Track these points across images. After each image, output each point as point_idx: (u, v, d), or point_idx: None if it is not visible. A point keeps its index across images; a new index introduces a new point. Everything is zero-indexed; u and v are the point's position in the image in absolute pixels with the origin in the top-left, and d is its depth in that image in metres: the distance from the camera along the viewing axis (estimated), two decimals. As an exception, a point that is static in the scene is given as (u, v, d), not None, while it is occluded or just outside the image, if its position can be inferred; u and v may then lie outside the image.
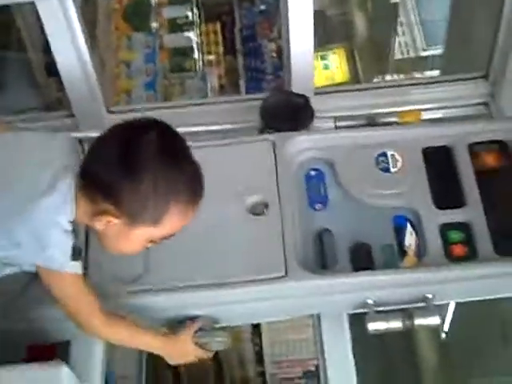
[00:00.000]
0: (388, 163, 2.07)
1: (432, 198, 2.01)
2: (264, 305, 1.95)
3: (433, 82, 2.54)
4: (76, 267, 1.59)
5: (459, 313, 2.62)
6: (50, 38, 2.23)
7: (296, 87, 2.39)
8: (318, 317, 2.07)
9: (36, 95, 2.88)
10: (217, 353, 3.81)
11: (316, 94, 2.42)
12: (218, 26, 4.62)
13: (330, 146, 2.13)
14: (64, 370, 1.47)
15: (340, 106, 2.42)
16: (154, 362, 2.83)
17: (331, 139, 2.16)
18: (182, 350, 1.88)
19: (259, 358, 3.67)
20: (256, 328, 3.55)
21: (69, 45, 2.25)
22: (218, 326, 1.95)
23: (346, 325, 2.03)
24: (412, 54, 4.95)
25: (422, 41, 4.87)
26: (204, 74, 3.72)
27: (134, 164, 1.46)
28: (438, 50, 4.47)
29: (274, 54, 4.99)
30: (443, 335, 2.17)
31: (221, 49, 4.52)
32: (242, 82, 4.69)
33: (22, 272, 1.71)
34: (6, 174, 1.59)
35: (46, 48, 2.67)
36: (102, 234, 1.57)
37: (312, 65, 2.40)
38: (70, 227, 1.55)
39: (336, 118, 2.26)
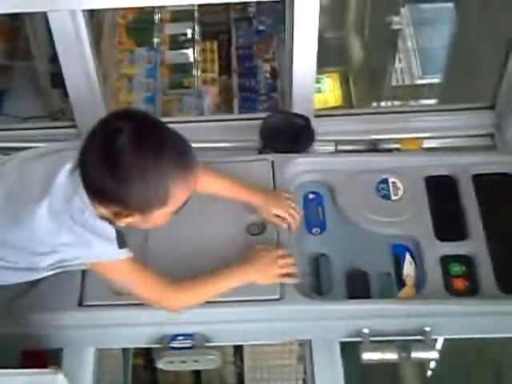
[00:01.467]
0: (389, 190, 2.05)
1: (433, 228, 1.99)
2: (256, 326, 1.93)
3: (435, 110, 2.53)
4: (126, 253, 1.69)
5: (448, 347, 2.58)
6: (58, 48, 2.23)
7: (296, 108, 2.37)
8: (310, 342, 2.03)
9: (40, 104, 2.87)
10: (198, 372, 3.82)
11: (316, 116, 2.40)
12: (215, 45, 4.63)
13: (330, 170, 2.11)
14: (59, 378, 1.44)
15: (341, 130, 2.40)
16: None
17: (332, 163, 2.14)
18: (263, 269, 1.87)
19: (240, 381, 3.65)
20: (238, 350, 3.52)
21: (76, 56, 2.25)
22: (209, 344, 1.93)
23: (338, 352, 2.00)
24: (407, 82, 4.95)
25: (418, 68, 4.87)
26: (200, 92, 3.71)
27: (117, 168, 1.51)
28: (434, 79, 4.47)
29: (268, 75, 5.00)
30: (429, 372, 2.13)
31: (216, 67, 4.52)
32: (235, 102, 4.69)
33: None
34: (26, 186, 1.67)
35: (52, 58, 2.67)
36: (127, 226, 1.65)
37: (313, 86, 2.39)
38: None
39: (337, 142, 2.23)
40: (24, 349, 2.09)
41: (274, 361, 3.65)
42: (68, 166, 1.63)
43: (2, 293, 1.90)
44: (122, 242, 1.67)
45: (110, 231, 1.64)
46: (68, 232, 1.62)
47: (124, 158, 1.50)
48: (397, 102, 4.83)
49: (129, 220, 1.61)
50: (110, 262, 1.69)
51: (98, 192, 1.57)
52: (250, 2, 5.09)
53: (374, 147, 2.21)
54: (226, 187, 1.97)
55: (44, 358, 2.15)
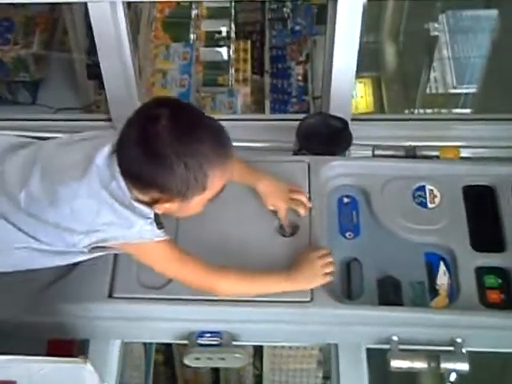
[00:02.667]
0: (425, 198, 2.02)
1: (469, 238, 1.96)
2: (285, 327, 1.91)
3: (474, 119, 2.51)
4: (165, 234, 1.69)
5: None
6: (96, 40, 2.24)
7: (334, 111, 2.36)
8: (336, 347, 2.02)
9: (75, 96, 2.88)
10: (217, 372, 3.82)
11: (353, 119, 2.39)
12: (249, 44, 4.62)
13: (366, 174, 2.09)
14: (88, 367, 1.44)
15: (379, 135, 2.39)
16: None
17: (368, 167, 2.12)
18: (309, 271, 1.85)
19: (258, 383, 3.64)
20: (258, 352, 3.51)
21: (114, 48, 2.26)
22: (236, 343, 1.92)
23: (365, 358, 1.98)
24: (441, 90, 4.90)
25: (452, 77, 4.81)
26: (234, 91, 3.70)
27: (156, 154, 1.53)
28: (469, 89, 4.42)
29: (300, 78, 4.98)
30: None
31: (249, 67, 4.51)
32: (267, 103, 4.68)
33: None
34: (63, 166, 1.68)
35: (89, 50, 2.68)
36: (164, 212, 1.66)
37: (352, 89, 2.38)
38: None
39: (374, 147, 2.21)
40: (50, 338, 2.10)
41: (293, 364, 3.64)
42: (106, 151, 1.64)
43: (32, 282, 1.91)
44: (160, 223, 1.68)
45: (149, 212, 1.64)
46: (108, 210, 1.62)
47: (163, 143, 1.52)
48: (429, 111, 4.78)
49: (167, 206, 1.62)
50: (151, 244, 1.68)
51: (136, 177, 1.59)
52: (285, 3, 5.09)
53: (412, 154, 2.19)
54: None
55: (70, 348, 2.15)
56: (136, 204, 1.63)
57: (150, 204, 1.63)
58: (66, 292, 1.89)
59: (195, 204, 1.64)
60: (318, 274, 1.85)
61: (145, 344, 2.61)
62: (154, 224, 1.66)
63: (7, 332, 1.93)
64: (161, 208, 1.63)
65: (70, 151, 1.71)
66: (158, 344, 3.06)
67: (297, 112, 4.67)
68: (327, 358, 2.83)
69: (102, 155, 1.64)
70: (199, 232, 1.95)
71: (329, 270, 1.86)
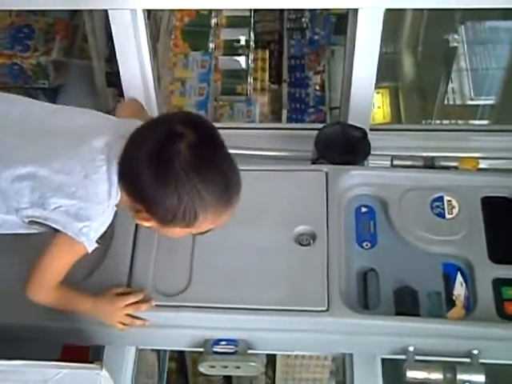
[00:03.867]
0: (444, 208, 2.02)
1: (487, 249, 1.95)
2: (301, 336, 1.91)
3: (493, 131, 2.50)
4: (93, 247, 1.63)
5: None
6: (116, 47, 2.25)
7: (352, 121, 2.36)
8: (351, 357, 2.01)
9: (93, 102, 2.88)
10: (229, 380, 3.82)
11: (372, 129, 2.38)
12: (267, 54, 4.63)
13: (384, 184, 2.08)
14: (103, 374, 1.45)
15: (397, 145, 2.39)
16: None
17: (387, 177, 2.11)
18: (107, 310, 1.83)
19: (270, 391, 3.64)
20: (271, 361, 3.52)
21: (134, 55, 2.27)
22: (251, 351, 1.92)
23: (380, 368, 1.99)
24: (458, 102, 4.89)
25: (470, 89, 4.80)
26: (252, 100, 3.71)
27: (160, 175, 1.46)
28: (487, 101, 4.41)
29: (318, 88, 4.99)
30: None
31: (267, 76, 4.52)
32: (284, 112, 4.68)
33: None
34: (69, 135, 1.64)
35: (109, 58, 2.69)
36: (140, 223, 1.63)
37: (371, 99, 2.38)
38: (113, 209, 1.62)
39: (393, 157, 2.21)
40: (65, 343, 2.11)
41: (306, 374, 3.65)
42: (107, 139, 1.60)
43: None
44: (101, 238, 1.64)
45: (103, 221, 1.62)
46: (78, 197, 1.57)
47: (172, 168, 1.46)
48: (446, 122, 4.77)
49: (147, 223, 1.59)
50: (76, 244, 1.61)
51: (131, 182, 1.54)
52: (303, 13, 5.10)
53: (430, 164, 2.18)
54: None
55: (84, 353, 2.16)
56: (110, 208, 1.61)
57: (132, 212, 1.60)
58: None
59: (175, 232, 1.60)
60: (116, 315, 1.83)
61: (158, 351, 2.62)
62: (98, 236, 1.63)
63: (23, 337, 1.94)
64: (140, 221, 1.60)
65: (76, 117, 1.71)
66: (171, 352, 3.07)
67: (314, 122, 4.68)
68: (340, 368, 2.84)
69: (102, 140, 1.60)
70: (215, 239, 1.94)
71: (127, 320, 1.84)
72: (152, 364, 2.64)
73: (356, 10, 2.13)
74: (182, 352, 3.35)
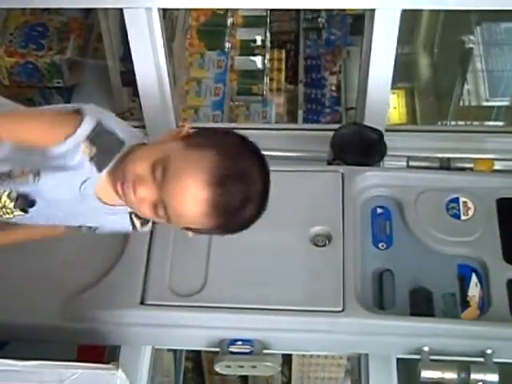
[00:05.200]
0: (459, 210, 2.02)
1: (502, 251, 1.95)
2: (316, 336, 1.92)
3: (508, 132, 2.49)
4: None
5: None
6: (132, 46, 2.24)
7: (369, 121, 2.35)
8: (366, 357, 2.01)
9: (108, 102, 2.88)
10: (245, 380, 3.83)
11: (387, 130, 2.38)
12: (283, 54, 4.62)
13: (400, 185, 2.09)
14: (120, 374, 1.46)
15: (413, 146, 2.38)
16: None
17: (402, 178, 2.12)
18: None
19: (286, 390, 3.65)
20: (287, 360, 3.52)
21: (149, 55, 2.26)
22: (267, 351, 1.93)
23: (395, 368, 1.99)
24: (474, 103, 4.87)
25: (485, 90, 4.78)
26: (267, 100, 3.70)
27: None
28: (502, 102, 4.39)
29: (334, 88, 4.98)
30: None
31: (283, 77, 4.51)
32: (300, 112, 4.68)
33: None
34: None
35: (124, 57, 2.70)
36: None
37: (388, 100, 2.38)
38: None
39: (409, 158, 2.21)
40: (81, 344, 2.12)
41: (321, 373, 3.65)
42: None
43: (65, 288, 1.94)
44: None
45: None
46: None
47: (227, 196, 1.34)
48: (461, 123, 4.76)
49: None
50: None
51: None
52: (320, 13, 5.10)
53: (446, 165, 2.18)
54: None
55: (100, 354, 2.17)
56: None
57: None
58: (98, 298, 1.91)
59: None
60: None
61: (174, 351, 2.63)
62: None
63: (40, 337, 1.95)
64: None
65: None
66: (187, 351, 3.07)
67: (329, 122, 4.68)
68: (355, 368, 2.84)
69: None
70: (231, 240, 1.94)
71: None
72: (168, 363, 2.65)
73: (373, 11, 2.12)
74: (197, 351, 3.36)
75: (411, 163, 2.20)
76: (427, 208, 2.03)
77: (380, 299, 1.93)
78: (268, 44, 3.93)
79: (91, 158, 1.43)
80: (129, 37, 2.21)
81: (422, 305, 1.90)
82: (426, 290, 1.92)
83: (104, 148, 1.44)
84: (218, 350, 1.94)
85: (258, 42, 3.84)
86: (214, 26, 3.53)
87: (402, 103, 5.16)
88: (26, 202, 1.49)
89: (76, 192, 1.46)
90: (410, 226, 2.02)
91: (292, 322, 1.87)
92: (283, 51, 4.68)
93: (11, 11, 2.94)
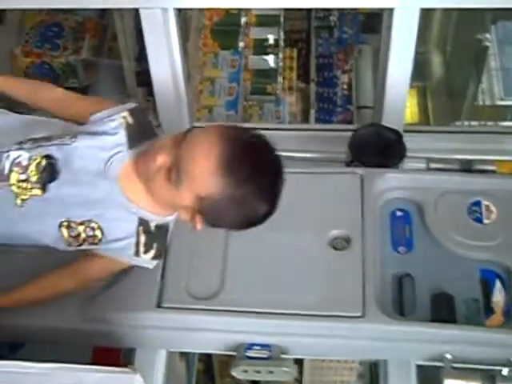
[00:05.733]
0: (481, 213, 1.98)
1: (527, 255, 1.92)
2: (335, 342, 1.88)
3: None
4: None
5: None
6: (147, 46, 2.23)
7: (386, 122, 2.32)
8: (385, 363, 1.98)
9: (123, 102, 2.87)
10: (257, 382, 3.80)
11: (405, 131, 2.34)
12: (295, 53, 4.59)
13: (420, 188, 2.06)
14: (137, 378, 1.43)
15: (433, 148, 2.34)
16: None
17: (423, 180, 2.08)
18: None
19: (298, 394, 3.62)
20: (298, 363, 3.49)
21: (165, 55, 2.25)
22: (285, 356, 1.90)
23: (414, 375, 1.95)
24: (488, 102, 4.82)
25: (500, 89, 4.73)
26: (280, 100, 3.67)
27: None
28: (518, 101, 4.35)
29: (345, 87, 4.94)
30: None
31: (295, 76, 4.48)
32: (312, 112, 4.64)
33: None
34: None
35: (139, 57, 2.68)
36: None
37: (406, 100, 2.34)
38: None
39: (429, 160, 2.17)
40: (96, 346, 2.10)
41: (333, 376, 3.62)
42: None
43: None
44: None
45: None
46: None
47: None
48: (474, 123, 4.72)
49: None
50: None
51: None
52: (331, 11, 5.06)
53: (467, 167, 2.14)
54: None
55: (115, 356, 2.16)
56: None
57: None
58: (115, 300, 1.88)
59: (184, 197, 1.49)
60: None
61: (187, 353, 2.60)
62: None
63: (56, 339, 1.93)
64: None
65: None
66: (199, 353, 3.05)
67: (341, 122, 4.64)
68: (367, 372, 2.80)
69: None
70: (249, 243, 1.93)
71: None
72: (180, 365, 2.62)
73: (391, 10, 2.09)
74: (209, 353, 3.33)
75: (431, 165, 2.17)
76: (448, 211, 2.00)
77: (400, 304, 1.89)
78: (281, 43, 3.89)
79: (127, 127, 1.58)
80: (144, 37, 2.20)
81: (443, 310, 1.86)
82: (448, 295, 1.88)
83: (140, 125, 1.62)
84: (234, 353, 1.90)
85: (271, 41, 3.82)
86: (227, 26, 3.51)
87: (414, 102, 5.11)
88: (50, 174, 1.55)
89: (102, 165, 1.55)
90: (431, 230, 1.98)
91: (311, 326, 1.84)
92: (295, 50, 4.64)
93: (27, 11, 2.92)
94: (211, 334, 1.89)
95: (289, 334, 1.87)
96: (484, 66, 4.42)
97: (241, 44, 3.49)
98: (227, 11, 3.55)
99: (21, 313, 1.86)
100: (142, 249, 1.61)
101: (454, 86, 4.91)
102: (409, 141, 2.22)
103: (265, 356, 1.86)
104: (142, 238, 1.60)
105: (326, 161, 2.40)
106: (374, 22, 4.15)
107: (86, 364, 1.53)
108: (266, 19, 3.82)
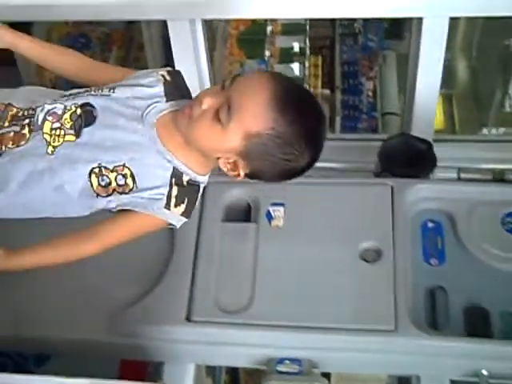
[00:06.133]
0: (515, 224, 1.95)
1: None
2: (366, 356, 1.86)
3: None
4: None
5: None
6: (175, 57, 2.22)
7: (416, 131, 2.29)
8: (418, 379, 1.94)
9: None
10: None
11: (435, 140, 2.31)
12: (320, 60, 4.57)
13: (452, 199, 2.03)
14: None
15: (464, 157, 2.31)
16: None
17: (454, 191, 2.06)
18: None
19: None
20: (326, 375, 3.45)
21: (192, 65, 2.24)
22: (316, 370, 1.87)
23: (448, 391, 1.91)
24: (513, 109, 4.77)
25: (527, 95, 4.68)
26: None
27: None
28: (545, 107, 4.30)
29: (370, 93, 4.91)
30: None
31: (319, 83, 4.46)
32: (338, 119, 4.61)
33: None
34: None
35: (165, 67, 2.67)
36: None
37: (435, 109, 2.32)
38: None
39: (460, 169, 2.14)
40: (123, 359, 2.09)
41: (361, 388, 3.58)
42: None
43: (110, 303, 1.91)
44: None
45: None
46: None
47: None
48: (501, 129, 4.66)
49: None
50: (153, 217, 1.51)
51: None
52: (356, 19, 5.03)
53: (499, 177, 2.11)
54: None
55: (142, 369, 2.14)
56: None
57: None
58: (143, 314, 1.88)
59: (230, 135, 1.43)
60: None
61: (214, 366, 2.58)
62: None
63: (84, 351, 1.92)
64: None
65: None
66: (226, 366, 3.03)
67: (366, 129, 4.61)
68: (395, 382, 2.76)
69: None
70: (279, 255, 1.92)
71: None
72: (207, 380, 2.61)
73: (420, 19, 2.06)
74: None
75: (463, 175, 2.13)
76: (481, 222, 1.97)
77: (433, 318, 1.87)
78: (307, 51, 3.87)
79: (165, 83, 1.56)
80: (172, 47, 2.20)
81: (478, 324, 1.83)
82: (483, 308, 1.85)
83: (178, 85, 1.59)
84: (264, 368, 1.88)
85: (296, 49, 3.80)
86: (253, 35, 3.49)
87: (440, 109, 5.06)
88: (86, 119, 1.51)
89: (139, 112, 1.52)
90: (464, 241, 1.96)
91: (342, 340, 1.82)
92: (319, 57, 4.62)
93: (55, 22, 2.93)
94: (241, 348, 1.88)
95: (319, 349, 1.85)
96: (507, 72, 4.38)
97: (267, 53, 3.47)
98: (253, 20, 3.53)
99: (49, 325, 1.87)
100: (173, 201, 1.51)
101: (480, 93, 4.87)
102: (438, 150, 2.19)
103: (295, 371, 1.84)
104: (174, 190, 1.51)
105: (354, 171, 2.38)
106: (399, 28, 4.12)
107: (113, 378, 1.52)
108: (292, 27, 3.80)
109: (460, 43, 4.97)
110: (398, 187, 2.04)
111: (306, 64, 3.82)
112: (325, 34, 5.11)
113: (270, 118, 1.38)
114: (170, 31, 2.17)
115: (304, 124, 1.40)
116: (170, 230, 1.97)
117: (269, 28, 3.54)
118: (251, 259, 1.93)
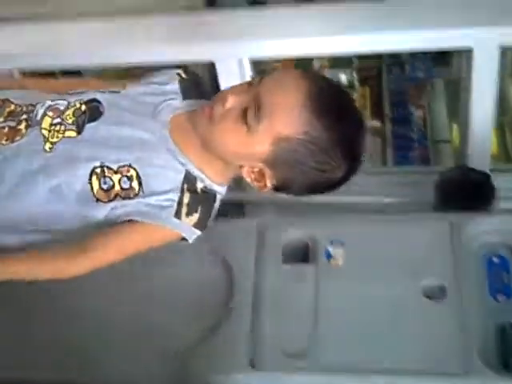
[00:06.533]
0: None
1: None
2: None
3: None
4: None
5: None
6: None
7: (472, 163, 2.26)
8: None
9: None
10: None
11: (491, 170, 2.27)
12: (367, 91, 4.55)
13: (514, 231, 1.97)
14: None
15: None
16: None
17: (516, 222, 2.00)
18: None
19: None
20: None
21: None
22: None
23: None
24: None
25: None
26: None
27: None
28: None
29: (421, 122, 4.87)
30: None
31: (368, 114, 4.44)
32: (389, 151, 4.57)
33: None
34: None
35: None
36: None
37: (491, 139, 2.28)
38: None
39: (521, 199, 2.11)
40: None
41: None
42: None
43: (168, 348, 1.86)
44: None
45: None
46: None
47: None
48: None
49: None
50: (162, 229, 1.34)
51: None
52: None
53: None
54: None
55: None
56: None
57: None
58: (206, 362, 1.84)
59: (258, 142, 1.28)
60: None
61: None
62: None
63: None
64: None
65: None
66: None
67: (417, 158, 4.56)
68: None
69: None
70: (341, 295, 1.89)
71: None
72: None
73: (470, 51, 2.05)
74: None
75: (525, 206, 2.09)
76: (549, 255, 1.90)
77: (504, 358, 1.79)
78: (356, 83, 3.86)
79: (181, 80, 1.44)
80: (220, 87, 2.18)
81: (556, 363, 1.76)
82: (557, 346, 1.78)
83: (195, 83, 1.47)
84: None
85: (343, 82, 3.79)
86: (301, 69, 3.48)
87: (492, 138, 4.99)
88: (90, 114, 1.37)
89: (151, 108, 1.39)
90: (532, 276, 1.90)
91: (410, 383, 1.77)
92: (367, 88, 4.61)
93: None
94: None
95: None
96: None
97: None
98: (298, 57, 3.53)
99: (103, 370, 1.85)
100: (184, 209, 1.33)
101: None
102: (496, 180, 2.15)
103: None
104: (186, 197, 1.33)
105: (410, 205, 2.34)
106: (445, 55, 4.09)
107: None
108: (339, 61, 3.79)
109: (510, 68, 4.90)
110: (456, 221, 1.99)
111: (356, 96, 3.80)
112: (371, 65, 5.10)
113: (305, 120, 1.24)
114: (217, 71, 2.20)
115: (342, 130, 1.25)
116: (228, 273, 1.96)
117: (316, 63, 3.53)
118: (312, 300, 1.90)
